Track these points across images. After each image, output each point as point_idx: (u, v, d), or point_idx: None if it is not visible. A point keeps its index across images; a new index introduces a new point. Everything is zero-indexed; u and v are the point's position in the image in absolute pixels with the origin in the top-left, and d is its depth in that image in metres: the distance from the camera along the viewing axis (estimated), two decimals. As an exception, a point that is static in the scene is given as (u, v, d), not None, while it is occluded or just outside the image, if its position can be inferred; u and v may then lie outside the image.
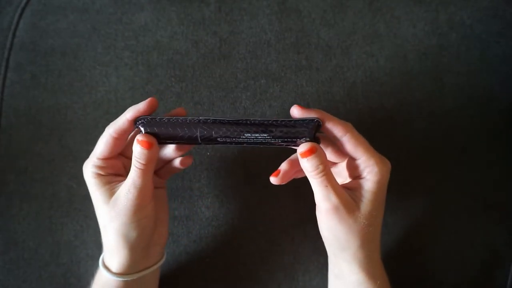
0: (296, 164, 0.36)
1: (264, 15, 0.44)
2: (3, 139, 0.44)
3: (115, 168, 0.36)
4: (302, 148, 0.32)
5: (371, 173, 0.33)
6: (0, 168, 0.44)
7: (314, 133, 0.32)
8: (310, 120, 0.32)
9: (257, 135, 0.32)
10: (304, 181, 0.43)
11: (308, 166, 0.32)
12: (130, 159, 0.37)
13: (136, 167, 0.33)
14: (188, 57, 0.44)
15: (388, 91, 0.43)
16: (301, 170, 0.34)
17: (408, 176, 0.43)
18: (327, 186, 0.32)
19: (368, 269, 0.35)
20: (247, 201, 0.43)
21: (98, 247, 0.43)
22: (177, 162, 0.38)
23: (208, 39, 0.44)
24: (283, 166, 0.36)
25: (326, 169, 0.32)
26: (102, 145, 0.35)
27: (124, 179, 0.35)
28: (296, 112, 0.33)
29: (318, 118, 0.32)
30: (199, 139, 0.33)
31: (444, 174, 0.43)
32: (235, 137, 0.32)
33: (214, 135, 0.33)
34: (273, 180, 0.36)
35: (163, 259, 0.39)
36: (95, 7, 0.44)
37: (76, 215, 0.44)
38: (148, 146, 0.32)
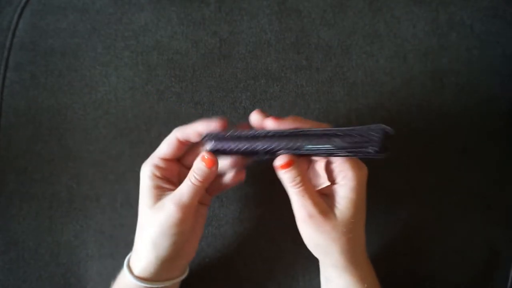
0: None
1: (264, 15, 0.44)
2: (3, 139, 0.44)
3: (171, 173, 0.36)
4: (279, 161, 0.32)
5: (345, 178, 0.33)
6: (0, 168, 0.44)
7: (383, 142, 0.31)
8: (377, 128, 0.31)
9: (319, 146, 0.32)
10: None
11: (286, 178, 0.33)
12: (186, 169, 0.37)
13: (192, 182, 0.33)
14: (188, 57, 0.44)
15: (388, 91, 0.43)
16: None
17: (408, 176, 0.43)
18: (303, 196, 0.33)
19: (354, 272, 0.35)
20: (247, 201, 0.43)
21: (98, 247, 0.43)
22: (228, 178, 0.38)
23: (208, 39, 0.44)
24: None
25: (303, 179, 0.33)
26: (166, 146, 0.35)
27: (174, 189, 0.35)
28: (271, 124, 0.33)
29: (385, 126, 0.31)
30: (261, 153, 0.33)
31: (444, 174, 0.43)
32: (297, 149, 0.32)
33: (276, 148, 0.33)
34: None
35: (186, 274, 0.39)
36: (95, 7, 0.44)
37: (76, 215, 0.44)
38: (211, 165, 0.33)
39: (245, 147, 0.33)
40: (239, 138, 0.33)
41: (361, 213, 0.35)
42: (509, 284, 0.43)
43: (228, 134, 0.34)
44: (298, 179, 0.33)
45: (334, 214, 0.33)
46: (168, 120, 0.43)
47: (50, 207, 0.44)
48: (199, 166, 0.33)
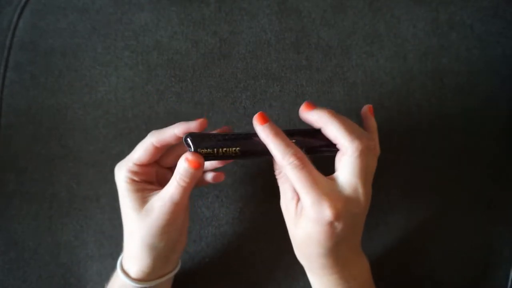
0: None
1: (264, 15, 0.44)
2: (3, 139, 0.44)
3: (149, 176, 0.36)
4: (255, 119, 0.32)
5: (342, 160, 0.32)
6: (0, 168, 0.44)
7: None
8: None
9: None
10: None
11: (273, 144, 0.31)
12: (164, 168, 0.37)
13: (178, 184, 0.32)
14: (188, 57, 0.44)
15: (388, 91, 0.43)
16: None
17: (408, 176, 0.43)
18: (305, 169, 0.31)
19: (342, 271, 0.34)
20: (247, 201, 0.43)
21: (98, 247, 0.43)
22: (209, 177, 0.38)
23: (208, 39, 0.44)
24: None
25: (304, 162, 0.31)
26: (141, 151, 0.34)
27: (156, 188, 0.35)
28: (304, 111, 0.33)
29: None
30: (241, 153, 0.33)
31: (444, 174, 0.43)
32: None
33: (254, 149, 0.33)
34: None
35: (179, 267, 0.39)
36: (95, 7, 0.44)
37: (76, 215, 0.44)
38: (197, 166, 0.32)
39: (226, 148, 0.33)
40: (221, 139, 0.33)
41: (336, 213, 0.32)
42: (509, 284, 0.43)
43: (209, 134, 0.33)
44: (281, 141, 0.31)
45: (309, 215, 0.31)
46: (168, 120, 0.43)
47: (50, 207, 0.44)
48: (184, 167, 0.32)
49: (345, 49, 0.44)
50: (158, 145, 0.34)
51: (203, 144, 0.33)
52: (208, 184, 0.39)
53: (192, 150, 0.33)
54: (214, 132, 0.35)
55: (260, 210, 0.43)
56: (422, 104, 0.43)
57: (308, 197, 0.30)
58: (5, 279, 0.43)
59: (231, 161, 0.39)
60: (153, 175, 0.36)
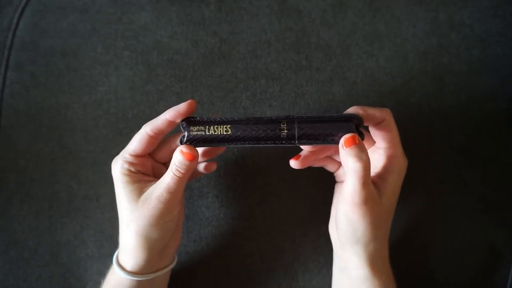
0: (316, 152, 0.36)
1: (264, 15, 0.44)
2: (3, 139, 0.44)
3: (145, 168, 0.36)
4: (346, 137, 0.32)
5: (397, 166, 0.33)
6: (0, 168, 0.44)
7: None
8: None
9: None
10: (305, 182, 0.43)
11: (350, 156, 0.31)
12: (159, 163, 0.37)
13: (174, 174, 0.33)
14: (188, 57, 0.44)
15: (388, 91, 0.43)
16: (319, 159, 0.35)
17: (408, 176, 0.43)
18: (363, 179, 0.31)
19: (375, 264, 0.35)
20: (247, 201, 0.43)
21: (98, 247, 0.43)
22: (201, 167, 0.39)
23: (208, 39, 0.44)
24: (304, 151, 0.36)
25: (367, 161, 0.31)
26: (137, 142, 0.35)
27: (152, 180, 0.35)
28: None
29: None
30: (232, 134, 0.33)
31: (444, 174, 0.43)
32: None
33: (246, 134, 0.33)
34: (293, 163, 0.36)
35: (175, 261, 0.39)
36: (95, 7, 0.44)
37: (76, 215, 0.44)
38: (191, 158, 0.33)
39: (217, 125, 0.33)
40: (213, 120, 0.33)
41: (396, 202, 0.34)
42: (509, 284, 0.43)
43: (202, 118, 0.33)
44: (364, 157, 0.31)
45: (381, 201, 0.33)
46: (168, 120, 0.43)
47: (50, 207, 0.44)
48: (179, 159, 0.33)
49: (345, 49, 0.44)
50: (152, 133, 0.34)
51: (195, 125, 0.33)
52: (201, 175, 0.40)
53: (185, 130, 0.33)
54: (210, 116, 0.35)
55: (260, 210, 0.43)
56: (422, 104, 0.43)
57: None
58: (5, 279, 0.43)
59: (223, 149, 0.39)
60: (149, 168, 0.37)
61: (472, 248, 0.43)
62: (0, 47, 0.44)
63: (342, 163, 0.33)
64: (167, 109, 0.44)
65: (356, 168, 0.31)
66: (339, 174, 0.39)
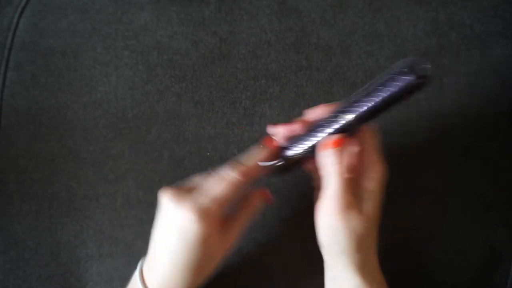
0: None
1: (264, 15, 0.44)
2: (3, 139, 0.44)
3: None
4: (328, 139, 0.30)
5: (376, 172, 0.32)
6: (0, 168, 0.44)
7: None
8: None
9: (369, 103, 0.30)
10: (304, 181, 0.43)
11: (331, 160, 0.30)
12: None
13: (230, 172, 0.32)
14: (188, 57, 0.44)
15: (388, 91, 0.43)
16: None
17: (408, 176, 0.43)
18: (347, 183, 0.30)
19: (365, 272, 0.33)
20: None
21: (98, 247, 0.43)
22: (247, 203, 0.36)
23: (208, 39, 0.44)
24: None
25: (349, 166, 0.30)
26: (225, 187, 0.31)
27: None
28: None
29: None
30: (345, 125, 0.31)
31: (444, 174, 0.43)
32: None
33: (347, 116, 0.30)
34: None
35: None
36: (95, 7, 0.44)
37: (76, 215, 0.44)
38: (273, 145, 0.34)
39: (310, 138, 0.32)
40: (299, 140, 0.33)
41: (380, 210, 0.33)
42: (509, 284, 0.43)
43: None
44: (345, 161, 0.29)
45: (362, 209, 0.31)
46: (168, 120, 0.43)
47: (50, 207, 0.44)
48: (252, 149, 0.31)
49: (345, 49, 0.44)
50: (244, 179, 0.31)
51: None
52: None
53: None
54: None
55: (260, 210, 0.43)
56: (422, 104, 0.43)
57: None
58: (5, 279, 0.43)
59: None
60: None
61: (472, 248, 0.43)
62: (0, 47, 0.45)
63: (320, 166, 0.31)
64: (167, 109, 0.44)
65: (337, 171, 0.30)
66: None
